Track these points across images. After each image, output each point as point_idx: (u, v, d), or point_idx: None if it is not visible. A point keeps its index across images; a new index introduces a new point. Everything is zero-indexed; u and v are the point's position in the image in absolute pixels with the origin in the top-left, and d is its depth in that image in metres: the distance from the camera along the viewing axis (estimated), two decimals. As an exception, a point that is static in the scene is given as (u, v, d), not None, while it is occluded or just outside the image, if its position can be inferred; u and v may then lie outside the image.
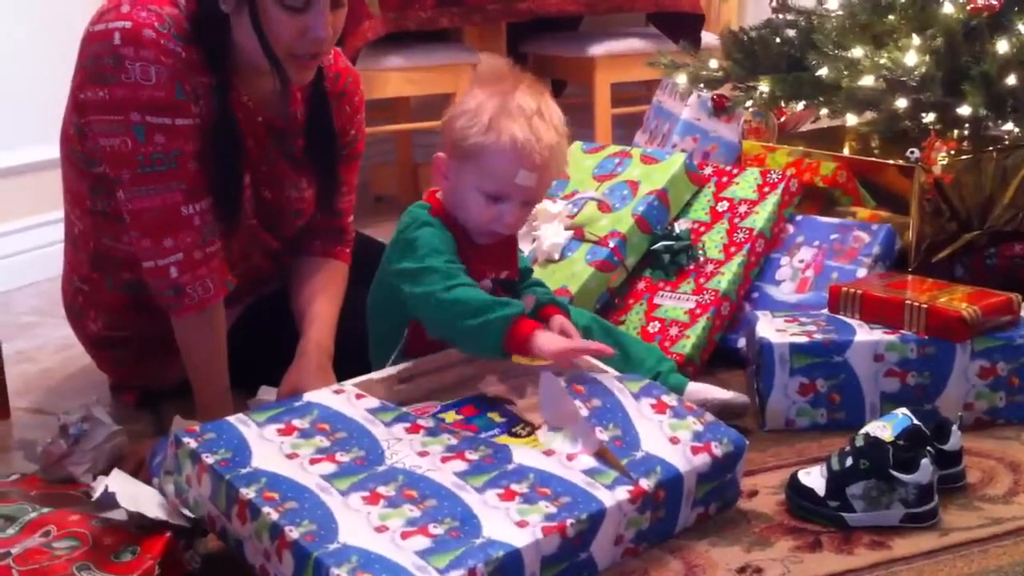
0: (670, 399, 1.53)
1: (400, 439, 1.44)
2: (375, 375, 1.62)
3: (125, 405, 1.94)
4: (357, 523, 1.27)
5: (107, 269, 1.81)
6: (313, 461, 1.38)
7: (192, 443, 1.40)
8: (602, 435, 1.42)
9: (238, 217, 1.75)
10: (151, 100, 1.60)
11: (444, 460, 1.40)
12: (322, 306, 1.85)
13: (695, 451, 1.45)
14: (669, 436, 1.46)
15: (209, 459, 1.37)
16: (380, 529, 1.27)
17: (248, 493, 1.31)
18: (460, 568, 1.22)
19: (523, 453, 1.43)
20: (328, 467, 1.37)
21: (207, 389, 1.73)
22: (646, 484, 1.38)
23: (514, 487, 1.36)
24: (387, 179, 3.82)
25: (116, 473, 1.42)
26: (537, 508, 1.32)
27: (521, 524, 1.29)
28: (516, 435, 1.52)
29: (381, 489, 1.33)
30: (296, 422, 1.46)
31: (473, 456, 1.42)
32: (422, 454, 1.41)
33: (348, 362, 1.75)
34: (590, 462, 1.42)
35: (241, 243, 1.81)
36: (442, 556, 1.23)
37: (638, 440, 1.44)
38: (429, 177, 3.53)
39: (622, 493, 1.36)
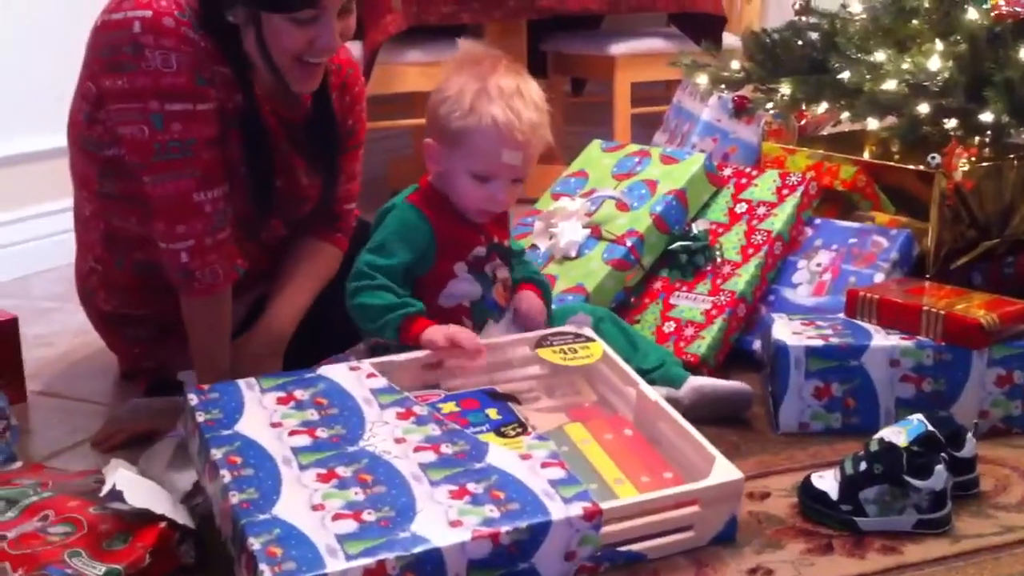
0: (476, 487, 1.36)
1: (387, 423, 1.45)
2: (400, 356, 1.62)
3: (134, 393, 1.94)
4: (299, 498, 1.29)
5: (119, 249, 1.82)
6: (293, 432, 1.41)
7: (194, 400, 1.47)
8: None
9: (271, 204, 1.78)
10: (171, 87, 1.61)
11: (417, 449, 1.40)
12: (292, 284, 1.88)
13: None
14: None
15: (200, 417, 1.43)
16: (317, 507, 1.27)
17: (216, 454, 1.35)
18: (369, 557, 1.20)
19: (499, 454, 1.40)
20: (303, 440, 1.40)
21: (208, 369, 1.75)
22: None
23: (470, 486, 1.33)
24: (405, 172, 3.81)
25: (124, 469, 1.43)
26: (479, 511, 1.29)
27: (455, 524, 1.26)
28: (503, 435, 1.47)
29: (340, 469, 1.34)
30: (298, 392, 1.49)
31: (447, 450, 1.40)
32: (399, 440, 1.41)
33: (334, 348, 1.79)
34: (561, 473, 1.37)
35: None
36: (359, 543, 1.22)
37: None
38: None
39: (576, 508, 1.30)
